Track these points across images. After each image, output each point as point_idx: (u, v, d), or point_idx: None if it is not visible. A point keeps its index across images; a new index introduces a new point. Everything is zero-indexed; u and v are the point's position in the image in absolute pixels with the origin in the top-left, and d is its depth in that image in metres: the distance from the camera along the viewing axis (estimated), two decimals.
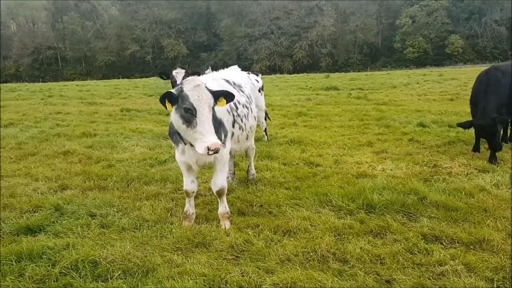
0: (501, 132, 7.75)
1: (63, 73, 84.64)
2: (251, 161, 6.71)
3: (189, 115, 4.24)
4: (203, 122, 4.22)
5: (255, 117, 6.01)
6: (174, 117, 4.41)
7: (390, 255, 4.13)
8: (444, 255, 4.09)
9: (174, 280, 3.72)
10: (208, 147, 4.15)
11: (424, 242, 4.40)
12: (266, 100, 12.45)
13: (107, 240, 4.53)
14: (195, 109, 4.21)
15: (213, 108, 4.36)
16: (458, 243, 4.39)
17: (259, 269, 3.97)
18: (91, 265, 3.93)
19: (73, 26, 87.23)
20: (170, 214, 5.33)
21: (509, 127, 8.69)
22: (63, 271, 3.87)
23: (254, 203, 5.67)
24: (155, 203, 5.68)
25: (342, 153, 8.43)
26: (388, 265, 3.97)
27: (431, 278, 3.76)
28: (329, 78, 35.97)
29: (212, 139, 4.19)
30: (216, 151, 4.18)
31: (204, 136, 4.21)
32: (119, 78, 67.08)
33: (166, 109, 4.40)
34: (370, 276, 3.80)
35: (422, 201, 5.41)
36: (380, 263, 4.05)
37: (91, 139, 10.47)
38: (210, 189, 5.71)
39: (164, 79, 9.48)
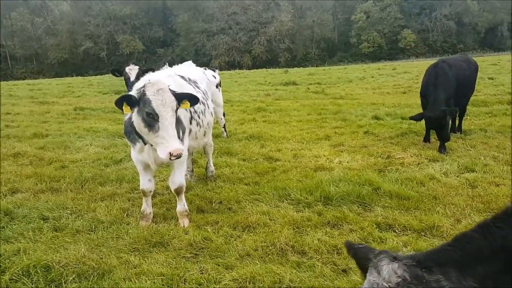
0: (450, 123, 8.11)
1: (13, 72, 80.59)
2: (210, 158, 6.68)
3: (151, 120, 4.15)
4: (166, 127, 4.15)
5: (212, 113, 5.97)
6: (136, 120, 4.30)
7: None
8: (397, 243, 4.25)
9: (131, 281, 3.65)
10: (170, 153, 4.10)
11: (378, 230, 4.55)
12: (225, 96, 12.41)
13: (60, 244, 4.38)
14: (157, 114, 4.13)
15: (176, 112, 4.30)
16: (410, 230, 4.57)
17: (219, 265, 3.96)
18: (43, 270, 3.79)
19: (22, 22, 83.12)
20: (127, 215, 5.22)
21: (457, 118, 9.10)
22: (14, 277, 3.71)
23: (213, 200, 5.65)
24: (110, 204, 5.53)
25: (300, 147, 8.55)
26: (345, 254, 4.07)
27: None
28: (288, 73, 36.31)
29: (175, 145, 4.13)
30: (179, 156, 4.15)
31: (166, 141, 4.15)
32: (72, 76, 64.63)
33: (123, 112, 4.30)
34: (327, 266, 3.89)
35: (376, 191, 5.58)
36: (337, 253, 4.15)
37: (43, 139, 10.06)
38: (168, 187, 5.63)
39: (117, 76, 9.23)
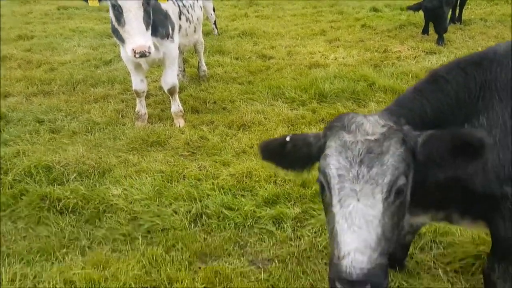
0: (450, 13, 7.81)
1: None
2: (201, 57, 6.49)
3: (118, 13, 3.89)
4: (130, 21, 3.87)
5: (201, 7, 5.68)
6: (110, 15, 4.06)
7: None
8: None
9: (131, 178, 3.78)
10: (133, 49, 3.86)
11: None
12: None
13: (58, 145, 4.44)
14: (120, 6, 3.85)
15: (148, 4, 3.99)
16: None
17: (216, 162, 4.08)
18: (45, 170, 3.89)
19: None
20: (121, 116, 5.22)
21: (457, 8, 8.75)
22: (17, 178, 3.81)
23: (208, 100, 5.62)
24: (104, 105, 5.51)
25: (295, 43, 8.30)
26: None
27: None
28: None
29: (138, 41, 3.86)
30: (143, 54, 3.88)
31: (131, 36, 3.90)
32: None
33: (88, 3, 4.05)
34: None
35: (371, 87, 5.56)
36: None
37: (28, 42, 9.64)
38: (161, 88, 5.56)
39: None
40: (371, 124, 1.71)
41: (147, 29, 4.02)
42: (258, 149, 1.95)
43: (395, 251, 2.64)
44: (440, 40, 7.42)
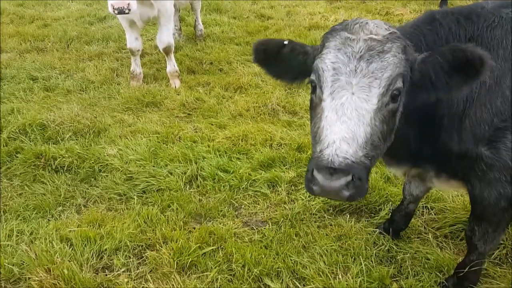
0: None
1: None
2: (198, 15, 6.33)
3: None
4: None
5: None
6: None
7: None
8: None
9: (127, 138, 3.77)
10: (112, 5, 3.70)
11: None
12: None
13: (53, 103, 4.39)
14: None
15: None
16: None
17: (212, 125, 4.06)
18: (39, 128, 3.87)
19: None
20: (116, 75, 5.14)
21: None
22: (12, 135, 3.79)
23: (204, 61, 5.53)
24: (99, 64, 5.41)
25: (295, 3, 8.09)
26: None
27: None
28: None
29: None
30: (121, 11, 3.72)
31: None
32: None
33: None
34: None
35: None
36: None
37: None
38: (156, 47, 5.45)
39: None
40: (376, 25, 1.64)
41: None
42: (252, 48, 1.83)
43: (398, 220, 2.69)
44: (443, 4, 7.27)
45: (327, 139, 1.50)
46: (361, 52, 1.56)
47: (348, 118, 1.51)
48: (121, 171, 3.38)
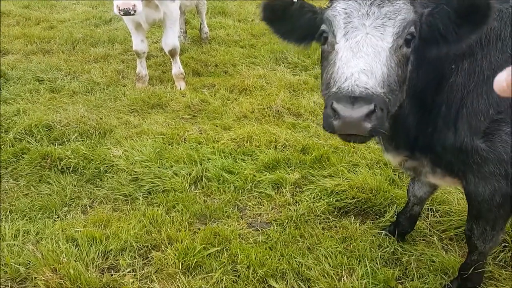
0: None
1: None
2: (203, 18, 6.36)
3: None
4: None
5: None
6: None
7: None
8: None
9: (132, 139, 3.78)
10: (117, 6, 3.71)
11: None
12: None
13: (59, 105, 4.42)
14: None
15: None
16: None
17: (216, 126, 4.08)
18: (45, 129, 3.90)
19: None
20: (122, 77, 5.17)
21: None
22: (18, 136, 3.82)
23: (209, 63, 5.56)
24: (104, 66, 5.44)
25: None
26: None
27: None
28: None
29: None
30: (126, 12, 3.72)
31: None
32: None
33: None
34: (321, 127, 4.00)
35: None
36: None
37: None
38: (161, 49, 5.48)
39: None
40: None
41: None
42: (260, 6, 1.79)
43: (404, 222, 2.68)
44: None
45: (345, 75, 1.46)
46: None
47: (365, 54, 1.49)
48: (127, 172, 3.40)
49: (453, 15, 1.61)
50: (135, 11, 3.77)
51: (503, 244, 2.63)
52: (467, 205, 2.83)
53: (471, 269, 2.23)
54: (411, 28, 1.59)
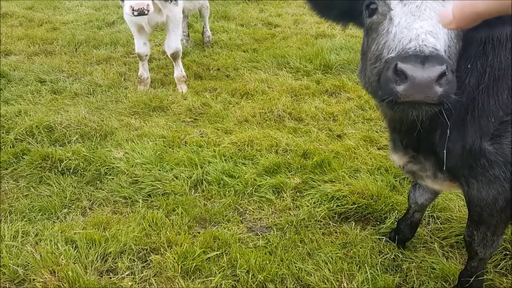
0: None
1: None
2: (206, 22, 6.38)
3: None
4: None
5: None
6: None
7: (342, 113, 4.31)
8: None
9: (133, 142, 3.78)
10: (131, 6, 3.70)
11: None
12: None
13: (60, 106, 4.42)
14: None
15: None
16: None
17: (218, 130, 4.07)
18: (46, 130, 3.89)
19: None
20: (124, 79, 5.18)
21: None
22: (19, 137, 3.82)
23: (211, 67, 5.57)
24: (106, 68, 5.45)
25: (302, 12, 8.14)
26: (340, 121, 4.17)
27: (378, 131, 4.01)
28: None
29: None
30: (141, 12, 3.73)
31: None
32: None
33: None
34: (323, 132, 4.01)
35: None
36: (333, 120, 4.24)
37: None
38: (164, 52, 5.49)
39: None
40: None
41: None
42: None
43: (404, 229, 2.66)
44: None
45: (408, 37, 1.34)
46: None
47: (428, 17, 1.38)
48: (127, 174, 3.39)
49: None
50: (148, 10, 3.78)
51: (504, 252, 2.61)
52: (467, 211, 2.85)
53: (473, 277, 2.21)
54: None
